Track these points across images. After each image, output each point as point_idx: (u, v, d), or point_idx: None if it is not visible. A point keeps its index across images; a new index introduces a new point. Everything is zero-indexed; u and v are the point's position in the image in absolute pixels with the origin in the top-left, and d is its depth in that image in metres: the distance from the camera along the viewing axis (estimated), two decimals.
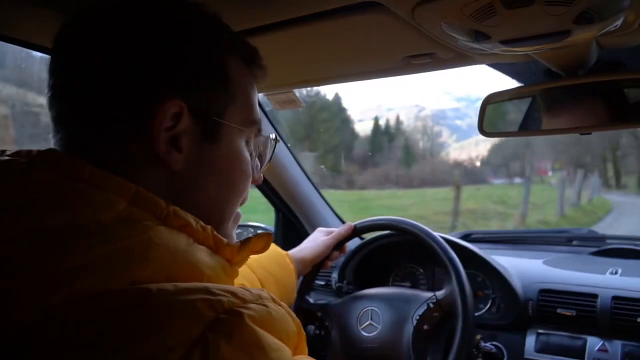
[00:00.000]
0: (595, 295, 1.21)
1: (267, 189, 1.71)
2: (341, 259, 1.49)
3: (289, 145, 1.64)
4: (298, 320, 0.52)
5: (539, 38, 0.72)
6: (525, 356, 1.24)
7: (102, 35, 0.51)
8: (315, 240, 1.26)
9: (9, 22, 0.85)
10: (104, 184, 0.46)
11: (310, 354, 0.55)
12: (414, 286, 1.53)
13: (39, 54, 0.95)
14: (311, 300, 1.33)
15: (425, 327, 1.13)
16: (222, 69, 0.55)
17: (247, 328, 0.41)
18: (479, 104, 1.03)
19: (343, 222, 1.74)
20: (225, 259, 0.53)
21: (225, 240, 0.53)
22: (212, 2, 0.76)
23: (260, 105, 1.48)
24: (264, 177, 1.64)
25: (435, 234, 1.22)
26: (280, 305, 0.49)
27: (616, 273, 1.29)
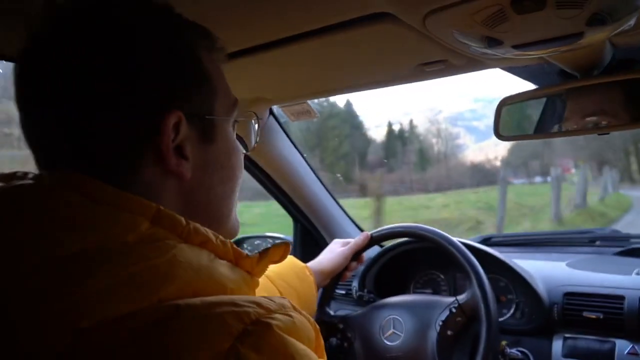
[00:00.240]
0: (622, 297, 1.18)
1: (285, 200, 1.71)
2: (361, 268, 1.49)
3: (304, 155, 1.64)
4: (317, 326, 0.52)
5: (552, 41, 0.72)
6: None
7: (97, 42, 0.48)
8: (333, 252, 1.26)
9: None
10: (126, 205, 0.46)
11: None
12: (435, 292, 1.52)
13: None
14: (331, 312, 1.33)
15: (449, 332, 1.12)
16: (200, 66, 0.55)
17: (275, 338, 0.42)
18: (496, 104, 1.03)
19: (362, 231, 1.74)
20: (246, 271, 0.54)
21: (244, 253, 0.53)
22: (225, 17, 0.77)
23: (275, 117, 1.49)
24: (282, 188, 1.66)
25: (454, 239, 1.21)
26: (300, 313, 0.49)
27: None
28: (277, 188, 1.66)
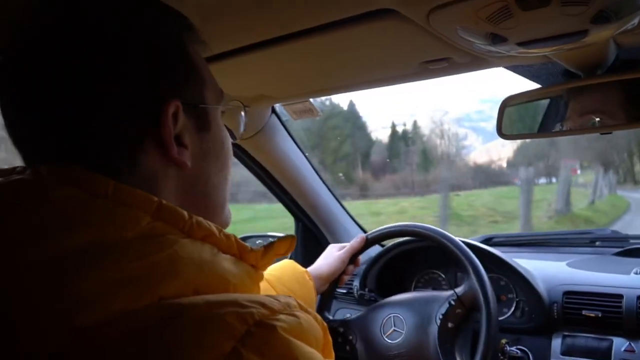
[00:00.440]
0: (620, 296, 1.19)
1: (287, 198, 1.72)
2: (362, 267, 1.50)
3: (306, 154, 1.65)
4: (324, 324, 0.52)
5: (556, 39, 0.72)
6: (551, 359, 1.22)
7: (94, 39, 0.48)
8: (330, 256, 1.26)
9: None
10: (127, 200, 0.45)
11: None
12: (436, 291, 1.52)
13: None
14: (330, 317, 1.33)
15: (450, 325, 1.13)
16: (188, 56, 0.55)
17: (278, 340, 0.41)
18: None
19: (365, 231, 1.75)
20: (250, 265, 0.53)
21: (248, 247, 0.53)
22: (227, 15, 0.77)
23: (277, 115, 1.49)
24: (283, 186, 1.66)
25: (449, 234, 1.22)
26: (307, 311, 0.49)
27: None
28: (278, 187, 1.66)
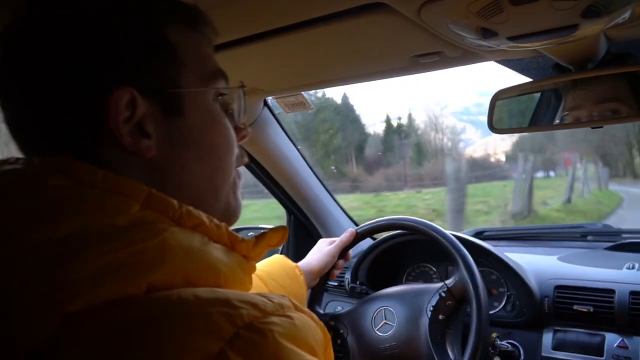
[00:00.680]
0: (612, 291, 1.19)
1: (279, 191, 1.71)
2: (353, 260, 1.50)
3: (299, 147, 1.64)
4: (322, 324, 0.50)
5: (547, 33, 0.72)
6: (542, 354, 1.23)
7: (38, 36, 0.48)
8: (320, 251, 1.26)
9: None
10: (116, 188, 0.45)
11: None
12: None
13: None
14: (321, 311, 1.33)
15: (441, 316, 1.13)
16: (162, 39, 0.52)
17: (269, 344, 0.40)
18: None
19: (356, 224, 1.74)
20: (242, 255, 0.53)
21: (240, 237, 0.52)
22: (219, 7, 0.77)
23: (269, 108, 1.49)
24: (275, 179, 1.65)
25: (438, 226, 1.22)
26: (302, 311, 0.47)
27: (633, 268, 1.27)
28: (270, 180, 1.66)
